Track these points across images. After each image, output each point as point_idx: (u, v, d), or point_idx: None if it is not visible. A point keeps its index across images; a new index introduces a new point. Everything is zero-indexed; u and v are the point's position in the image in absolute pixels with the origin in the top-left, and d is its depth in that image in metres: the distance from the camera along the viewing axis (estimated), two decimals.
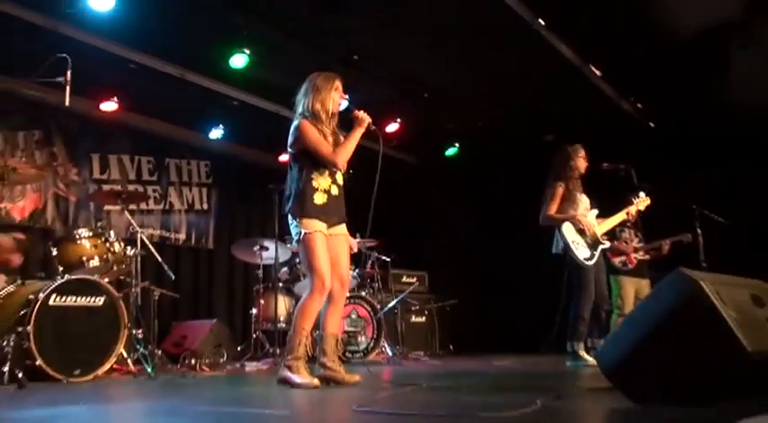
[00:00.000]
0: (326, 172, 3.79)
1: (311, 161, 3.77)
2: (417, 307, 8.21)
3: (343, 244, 3.93)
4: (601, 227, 5.35)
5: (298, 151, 3.80)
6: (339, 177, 3.87)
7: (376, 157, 3.98)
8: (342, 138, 3.89)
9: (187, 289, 7.96)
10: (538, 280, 7.78)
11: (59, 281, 4.49)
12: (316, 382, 3.54)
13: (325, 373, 3.70)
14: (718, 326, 2.01)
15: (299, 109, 3.90)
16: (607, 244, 5.46)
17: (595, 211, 5.43)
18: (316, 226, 3.68)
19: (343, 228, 3.93)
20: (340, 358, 3.89)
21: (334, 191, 3.81)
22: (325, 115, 3.86)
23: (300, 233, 3.69)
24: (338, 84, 3.94)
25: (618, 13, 6.01)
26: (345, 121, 3.99)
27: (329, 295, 3.76)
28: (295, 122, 3.82)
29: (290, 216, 3.79)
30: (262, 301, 6.81)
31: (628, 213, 5.47)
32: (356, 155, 3.91)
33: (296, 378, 3.53)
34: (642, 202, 5.52)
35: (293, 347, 3.63)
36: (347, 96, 3.99)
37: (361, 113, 3.88)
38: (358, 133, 3.84)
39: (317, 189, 3.73)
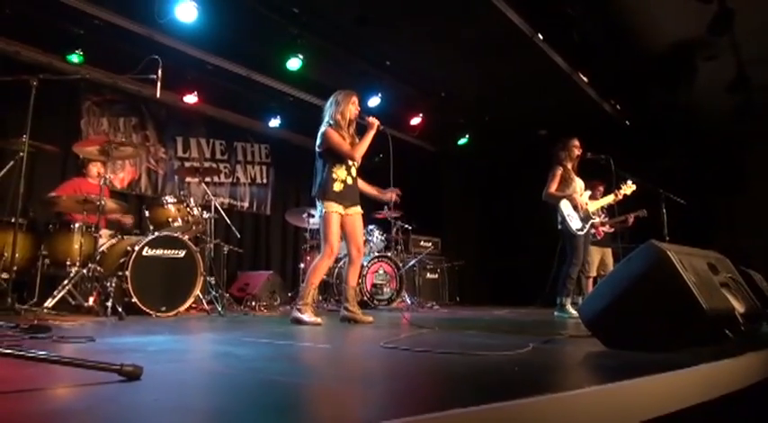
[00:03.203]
0: (344, 166, 3.97)
1: (333, 158, 3.96)
2: (432, 266, 8.22)
3: (359, 221, 4.08)
4: (592, 205, 5.29)
5: (323, 150, 3.99)
6: (354, 171, 4.03)
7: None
8: (357, 139, 4.08)
9: (249, 246, 8.06)
10: (530, 246, 7.74)
11: (150, 237, 4.57)
12: (319, 320, 3.78)
13: (347, 314, 3.99)
14: (681, 287, 1.96)
15: (326, 118, 4.08)
16: (596, 219, 5.40)
17: (588, 193, 5.37)
18: (333, 207, 3.90)
19: (358, 208, 4.08)
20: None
21: (349, 181, 3.99)
22: (345, 122, 4.04)
23: (322, 211, 3.91)
24: (354, 98, 4.11)
25: (602, 30, 5.89)
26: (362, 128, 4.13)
27: (350, 258, 4.06)
28: (322, 129, 4.02)
29: (316, 198, 4.01)
30: (308, 258, 6.85)
31: (616, 194, 5.37)
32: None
33: (305, 317, 3.76)
34: (628, 187, 5.41)
35: (304, 296, 3.86)
36: (360, 108, 4.14)
37: (372, 119, 4.06)
38: (370, 134, 4.02)
39: (336, 179, 3.93)
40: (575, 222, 5.08)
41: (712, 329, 2.01)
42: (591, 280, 5.87)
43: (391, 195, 4.45)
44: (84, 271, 4.30)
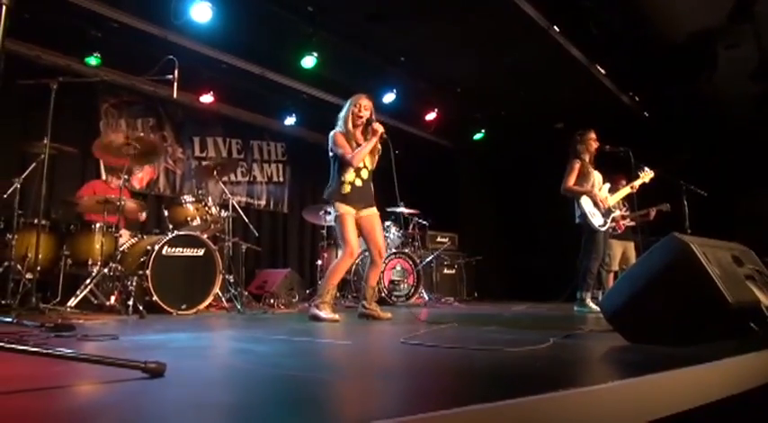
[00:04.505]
0: (351, 169, 3.99)
1: (342, 161, 4.00)
2: (449, 261, 8.21)
3: (376, 222, 4.11)
4: (611, 198, 5.25)
5: (332, 155, 4.06)
6: (364, 173, 4.05)
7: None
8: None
9: (267, 244, 8.11)
10: (548, 241, 7.69)
11: (170, 236, 4.61)
12: (337, 317, 3.80)
13: (365, 312, 4.03)
14: (705, 280, 1.94)
15: (338, 122, 4.13)
16: (617, 212, 5.35)
17: (608, 186, 5.32)
18: (344, 209, 3.94)
19: (372, 209, 4.11)
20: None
21: (359, 183, 4.01)
22: (353, 126, 4.07)
23: (335, 214, 3.97)
24: (362, 101, 4.12)
25: (620, 20, 5.81)
26: None
27: (372, 260, 4.08)
28: (331, 133, 4.08)
29: (328, 200, 4.08)
30: (325, 255, 6.88)
31: (632, 187, 5.32)
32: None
33: (322, 314, 3.80)
34: (647, 175, 5.35)
35: (323, 293, 3.90)
36: (368, 112, 4.11)
37: (376, 125, 4.05)
38: (371, 142, 4.02)
39: (344, 182, 3.97)
40: (597, 219, 5.05)
41: (737, 323, 1.98)
42: (612, 274, 5.79)
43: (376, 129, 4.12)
44: (106, 270, 4.36)
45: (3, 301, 4.03)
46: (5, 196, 4.43)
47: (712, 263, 2.00)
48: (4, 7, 1.22)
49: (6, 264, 4.22)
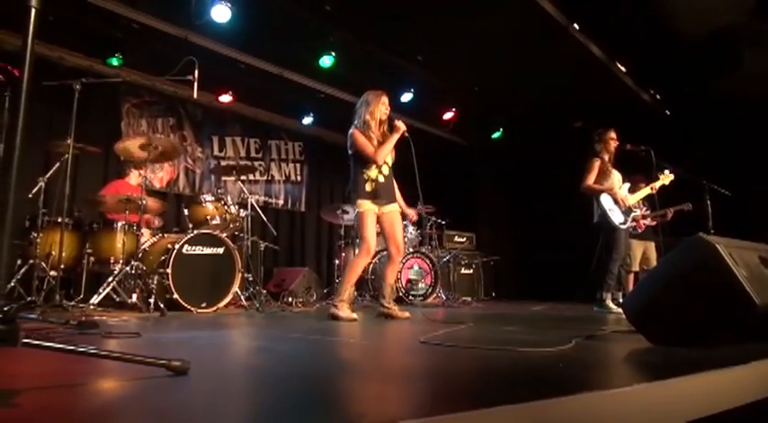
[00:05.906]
0: (374, 165, 4.01)
1: (362, 159, 4.02)
2: (466, 261, 8.17)
3: (396, 219, 4.11)
4: (631, 198, 5.20)
5: (353, 152, 4.06)
6: (385, 169, 4.06)
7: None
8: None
9: (285, 243, 8.15)
10: (566, 241, 7.61)
11: (190, 235, 4.65)
12: (354, 316, 3.81)
13: (383, 311, 4.03)
14: (731, 282, 1.90)
15: (355, 120, 4.13)
16: (638, 211, 5.30)
17: (627, 185, 5.27)
18: (366, 206, 3.94)
19: (394, 205, 4.11)
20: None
21: (381, 179, 4.03)
22: (374, 123, 4.07)
23: (356, 210, 3.99)
24: (384, 98, 4.14)
25: (640, 17, 5.73)
26: None
27: (389, 256, 4.08)
28: (350, 131, 4.07)
29: (351, 199, 4.10)
30: (343, 254, 6.89)
31: (652, 188, 5.26)
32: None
33: (340, 313, 3.80)
34: (667, 177, 5.29)
35: (341, 292, 3.91)
36: (391, 108, 4.17)
37: (399, 123, 4.06)
38: (394, 138, 4.05)
39: (367, 179, 3.99)
40: (616, 216, 5.00)
41: (764, 325, 1.94)
42: (632, 275, 5.72)
43: (413, 215, 4.71)
44: (128, 268, 4.41)
45: (28, 298, 4.11)
46: (30, 195, 4.50)
47: (739, 264, 1.96)
48: (33, 10, 1.24)
49: (31, 261, 4.30)
